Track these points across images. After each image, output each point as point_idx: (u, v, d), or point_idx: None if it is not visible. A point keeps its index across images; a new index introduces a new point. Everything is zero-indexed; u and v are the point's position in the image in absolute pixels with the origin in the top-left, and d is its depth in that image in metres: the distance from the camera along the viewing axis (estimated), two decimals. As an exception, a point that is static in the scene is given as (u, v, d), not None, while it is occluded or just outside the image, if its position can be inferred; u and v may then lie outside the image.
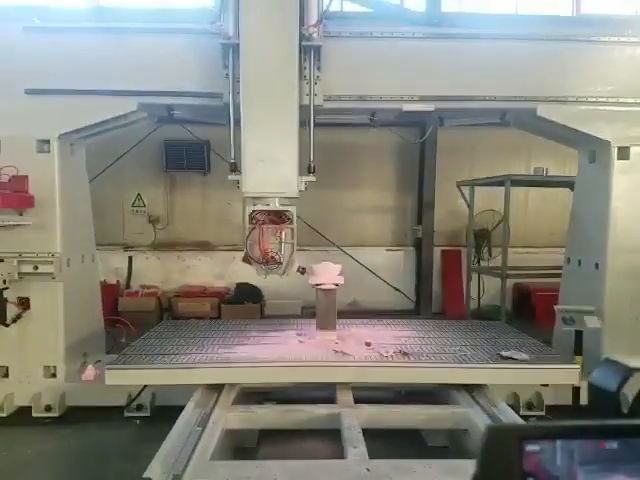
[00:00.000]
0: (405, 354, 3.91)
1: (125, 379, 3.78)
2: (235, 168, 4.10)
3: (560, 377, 3.81)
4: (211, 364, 3.73)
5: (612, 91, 4.53)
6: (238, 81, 4.04)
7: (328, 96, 4.28)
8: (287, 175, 3.98)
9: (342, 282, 4.32)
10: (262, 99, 3.93)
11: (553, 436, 0.78)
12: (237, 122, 4.01)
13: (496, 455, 0.77)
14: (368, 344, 4.15)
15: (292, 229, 4.12)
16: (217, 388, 3.62)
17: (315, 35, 4.00)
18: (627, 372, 0.96)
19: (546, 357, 3.94)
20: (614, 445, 0.78)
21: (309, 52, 4.08)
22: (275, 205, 4.07)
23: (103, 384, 4.29)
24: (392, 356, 3.87)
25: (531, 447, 0.77)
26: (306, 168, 4.17)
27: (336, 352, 3.96)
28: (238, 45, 3.97)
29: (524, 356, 3.85)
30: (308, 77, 4.12)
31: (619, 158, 4.54)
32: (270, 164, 3.93)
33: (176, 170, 8.89)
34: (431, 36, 4.59)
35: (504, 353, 3.91)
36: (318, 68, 4.16)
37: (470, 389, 3.62)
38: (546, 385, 4.15)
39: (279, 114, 3.95)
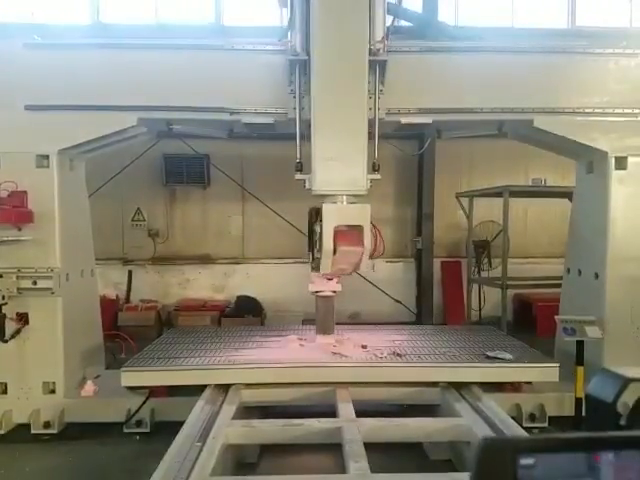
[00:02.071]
0: (398, 355, 4.17)
1: (140, 380, 4.04)
2: (301, 168, 4.22)
3: (541, 375, 4.09)
4: (220, 365, 4.01)
5: (608, 102, 4.55)
6: (303, 97, 4.20)
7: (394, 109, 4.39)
8: (356, 173, 4.03)
9: (340, 289, 4.48)
10: (332, 100, 4.00)
11: (547, 449, 0.77)
12: (302, 135, 4.22)
13: (490, 468, 0.76)
14: (364, 347, 4.38)
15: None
16: (224, 389, 3.88)
17: (381, 50, 4.12)
18: (624, 382, 0.95)
19: (529, 357, 4.22)
20: (610, 457, 0.77)
21: (374, 67, 4.16)
22: (343, 203, 4.10)
23: (103, 399, 4.31)
24: (386, 357, 4.13)
25: (525, 460, 0.77)
26: (371, 166, 4.20)
27: (334, 354, 4.19)
28: (305, 61, 4.09)
29: (508, 356, 4.14)
30: (372, 91, 4.19)
31: (617, 168, 4.55)
32: (339, 162, 4.00)
33: (176, 184, 8.91)
34: (429, 50, 4.64)
35: (490, 353, 4.19)
36: (382, 82, 4.24)
37: (458, 387, 3.88)
38: (529, 383, 4.31)
39: (348, 113, 4.01)
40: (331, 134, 4.01)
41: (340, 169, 4.01)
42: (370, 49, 4.06)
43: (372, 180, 4.15)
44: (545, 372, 4.04)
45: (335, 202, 4.08)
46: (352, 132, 4.01)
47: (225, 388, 3.90)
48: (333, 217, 4.00)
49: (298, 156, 4.26)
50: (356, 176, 4.04)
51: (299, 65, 4.17)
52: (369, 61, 4.08)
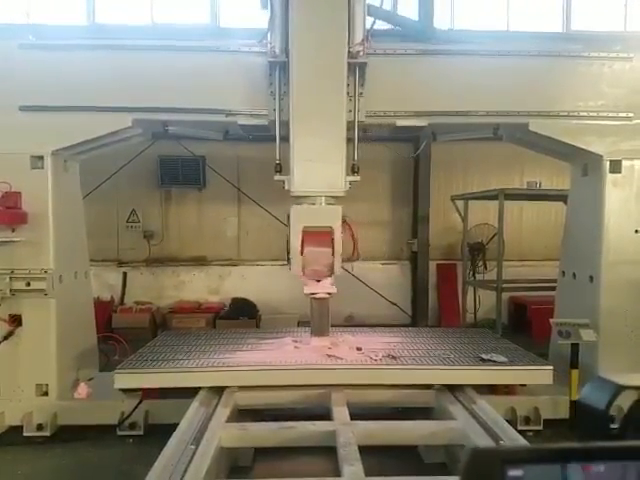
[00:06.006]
0: (393, 357, 4.16)
1: (134, 382, 4.01)
2: (280, 169, 4.25)
3: (534, 377, 4.09)
4: (214, 368, 3.99)
5: (603, 105, 4.57)
6: (282, 98, 4.21)
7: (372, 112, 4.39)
8: (334, 174, 4.08)
9: (335, 291, 4.42)
10: (311, 101, 4.03)
11: (536, 460, 0.76)
12: (282, 137, 4.22)
13: (478, 479, 0.75)
14: (359, 349, 4.36)
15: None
16: (218, 392, 3.84)
17: (361, 53, 4.12)
18: (617, 390, 0.94)
19: (523, 359, 4.23)
20: (600, 468, 0.76)
21: (353, 69, 4.16)
22: (321, 203, 4.15)
23: (96, 402, 4.28)
24: (381, 359, 4.12)
25: (514, 472, 0.75)
26: (350, 168, 4.23)
27: (329, 356, 4.18)
28: (285, 63, 4.10)
29: (502, 358, 4.14)
30: (352, 93, 4.19)
31: (611, 171, 4.57)
32: (317, 163, 4.03)
33: (171, 185, 8.89)
34: (424, 52, 4.64)
35: (484, 356, 4.19)
36: (362, 85, 4.25)
37: (452, 389, 3.89)
38: (524, 385, 4.32)
39: (327, 114, 4.04)
40: (310, 135, 4.04)
41: (318, 170, 4.04)
42: (349, 51, 4.08)
43: (352, 182, 4.19)
44: (539, 374, 4.04)
45: (314, 203, 4.13)
46: (331, 133, 4.05)
47: (219, 391, 3.88)
48: (301, 218, 4.12)
49: (277, 157, 4.30)
50: (334, 177, 4.09)
51: (279, 67, 4.19)
52: (348, 63, 4.09)
